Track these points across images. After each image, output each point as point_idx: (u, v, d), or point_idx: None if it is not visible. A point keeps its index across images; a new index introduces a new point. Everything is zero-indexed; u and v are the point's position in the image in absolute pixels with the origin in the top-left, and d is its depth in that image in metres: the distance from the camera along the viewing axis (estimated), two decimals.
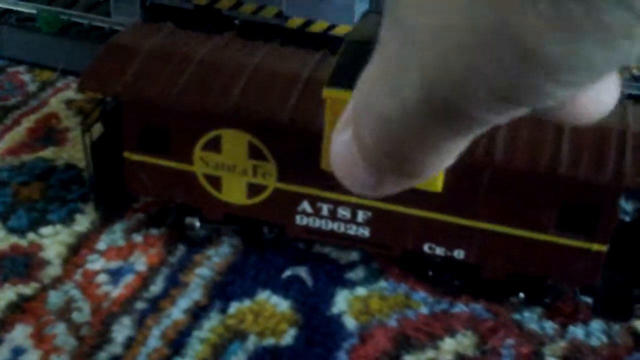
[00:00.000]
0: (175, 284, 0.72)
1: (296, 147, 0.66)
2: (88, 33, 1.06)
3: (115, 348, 0.66)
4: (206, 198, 0.71)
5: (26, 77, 1.02)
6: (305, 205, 0.69)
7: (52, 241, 0.76)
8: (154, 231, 0.78)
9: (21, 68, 1.04)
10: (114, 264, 0.74)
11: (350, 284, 0.72)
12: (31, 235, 0.77)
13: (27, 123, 0.93)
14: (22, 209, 0.80)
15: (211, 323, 0.68)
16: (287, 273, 0.73)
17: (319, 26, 0.91)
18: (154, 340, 0.67)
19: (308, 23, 0.92)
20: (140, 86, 0.68)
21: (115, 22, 1.04)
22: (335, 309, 0.70)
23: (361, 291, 0.72)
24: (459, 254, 0.68)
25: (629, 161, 0.62)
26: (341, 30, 0.90)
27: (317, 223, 0.70)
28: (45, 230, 0.77)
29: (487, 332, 0.68)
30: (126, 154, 0.71)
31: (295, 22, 0.92)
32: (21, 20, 1.10)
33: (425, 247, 0.69)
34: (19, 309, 0.69)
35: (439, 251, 0.68)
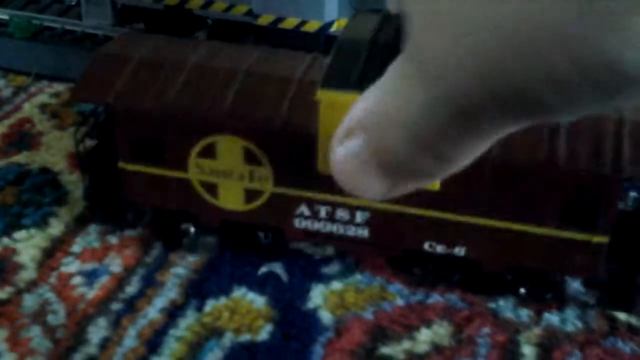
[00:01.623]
0: (151, 283, 0.72)
1: (291, 151, 0.66)
2: (61, 37, 1.06)
3: (91, 349, 0.66)
4: (203, 205, 0.71)
5: (0, 83, 1.02)
6: (303, 209, 0.69)
7: (27, 245, 0.76)
8: (129, 232, 0.77)
9: None
10: (89, 266, 0.74)
11: (326, 279, 0.72)
12: (5, 240, 0.76)
13: (2, 128, 0.92)
14: None
15: (187, 321, 0.68)
16: (263, 269, 0.73)
17: (289, 23, 0.91)
18: (130, 340, 0.67)
19: (279, 20, 0.92)
20: (131, 96, 0.68)
21: (87, 26, 1.04)
22: (311, 304, 0.70)
23: (337, 285, 0.72)
24: (459, 250, 0.68)
25: (627, 151, 0.61)
26: (312, 26, 0.90)
27: (315, 225, 0.70)
28: (20, 234, 0.77)
29: (463, 322, 0.68)
30: (121, 165, 0.71)
31: (266, 19, 0.92)
32: None
33: (426, 246, 0.68)
34: None
35: (440, 249, 0.68)
